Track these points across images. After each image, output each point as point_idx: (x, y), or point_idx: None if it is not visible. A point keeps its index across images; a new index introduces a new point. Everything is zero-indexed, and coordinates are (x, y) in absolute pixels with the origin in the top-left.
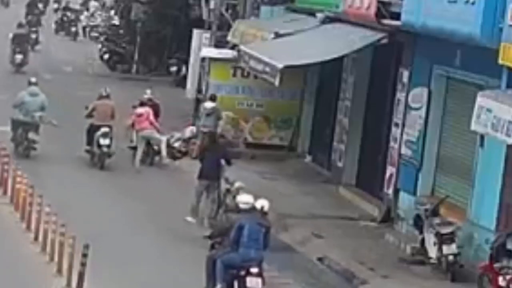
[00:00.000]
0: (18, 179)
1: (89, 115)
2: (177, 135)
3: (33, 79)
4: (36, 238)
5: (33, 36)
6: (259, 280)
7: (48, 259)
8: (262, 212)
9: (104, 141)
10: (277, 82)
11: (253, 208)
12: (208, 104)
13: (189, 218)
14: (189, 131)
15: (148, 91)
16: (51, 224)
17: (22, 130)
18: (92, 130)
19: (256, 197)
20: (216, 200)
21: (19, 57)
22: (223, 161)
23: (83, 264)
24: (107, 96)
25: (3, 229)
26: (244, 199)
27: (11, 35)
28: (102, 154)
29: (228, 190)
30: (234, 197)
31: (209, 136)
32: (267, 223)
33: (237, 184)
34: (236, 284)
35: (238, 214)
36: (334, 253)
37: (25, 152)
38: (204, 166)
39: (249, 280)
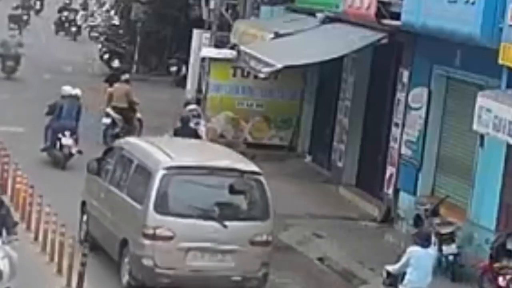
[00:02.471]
0: (18, 179)
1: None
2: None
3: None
4: (36, 238)
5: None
6: (71, 140)
7: (48, 259)
8: (76, 97)
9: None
10: (262, 75)
11: (69, 96)
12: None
13: None
14: None
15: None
16: (51, 224)
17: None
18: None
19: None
20: None
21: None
22: None
23: (83, 264)
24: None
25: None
26: (66, 88)
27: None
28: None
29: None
30: None
31: (180, 120)
32: (79, 104)
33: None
34: (57, 141)
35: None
36: (334, 253)
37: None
38: None
39: (64, 140)
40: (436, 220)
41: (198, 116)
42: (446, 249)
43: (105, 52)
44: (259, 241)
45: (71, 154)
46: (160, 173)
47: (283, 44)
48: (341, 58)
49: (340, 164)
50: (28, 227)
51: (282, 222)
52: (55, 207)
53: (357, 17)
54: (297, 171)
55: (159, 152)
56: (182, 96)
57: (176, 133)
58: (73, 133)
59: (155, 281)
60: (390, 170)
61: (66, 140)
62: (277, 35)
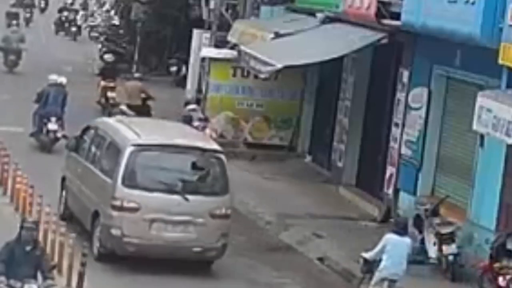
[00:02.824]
0: (18, 179)
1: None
2: None
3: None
4: None
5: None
6: (56, 125)
7: None
8: (62, 85)
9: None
10: (263, 75)
11: (56, 84)
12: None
13: None
14: None
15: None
16: (51, 224)
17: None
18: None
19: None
20: None
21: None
22: None
23: (83, 264)
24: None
25: (2, 229)
26: (52, 77)
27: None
28: None
29: None
30: None
31: (183, 119)
32: (64, 91)
33: None
34: (44, 127)
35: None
36: (334, 253)
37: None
38: None
39: (50, 125)
40: (436, 220)
41: (206, 119)
42: (446, 249)
43: (105, 52)
44: (219, 214)
45: (56, 139)
46: (128, 149)
47: (283, 44)
48: (341, 58)
49: (340, 164)
50: None
51: (282, 222)
52: (40, 188)
53: (357, 17)
54: (297, 171)
55: (129, 130)
56: (182, 96)
57: None
58: (59, 118)
59: (122, 249)
60: (390, 170)
61: (52, 125)
62: (277, 35)
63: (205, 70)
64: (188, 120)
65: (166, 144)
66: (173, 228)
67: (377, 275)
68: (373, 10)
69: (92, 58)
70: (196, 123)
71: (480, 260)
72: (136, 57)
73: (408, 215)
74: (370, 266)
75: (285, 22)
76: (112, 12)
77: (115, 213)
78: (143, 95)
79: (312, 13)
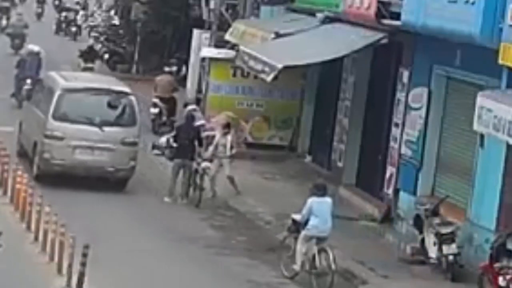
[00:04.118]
0: (18, 179)
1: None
2: (163, 139)
3: None
4: (36, 238)
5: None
6: (31, 86)
7: (48, 259)
8: (37, 53)
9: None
10: (269, 79)
11: (32, 52)
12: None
13: (166, 198)
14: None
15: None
16: (51, 224)
17: None
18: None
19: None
20: (187, 180)
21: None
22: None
23: (83, 264)
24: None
25: (3, 229)
26: (29, 47)
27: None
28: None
29: (196, 170)
30: (201, 176)
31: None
32: (39, 58)
33: (203, 164)
34: (22, 88)
35: None
36: (334, 253)
37: None
38: (178, 146)
39: (26, 86)
40: (436, 220)
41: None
42: (446, 249)
43: (105, 52)
44: (128, 142)
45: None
46: (57, 92)
47: (283, 44)
48: (341, 58)
49: (340, 164)
50: (28, 227)
51: (282, 222)
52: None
53: (357, 17)
54: (297, 171)
55: (61, 79)
56: (182, 96)
57: (178, 131)
58: (34, 80)
59: (52, 169)
60: (390, 170)
61: (28, 86)
62: (277, 35)
63: (205, 70)
64: (190, 119)
65: (87, 88)
66: (92, 152)
67: (304, 234)
68: (373, 10)
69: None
70: (199, 122)
71: (480, 260)
72: (136, 57)
73: (408, 216)
74: (298, 226)
75: (285, 22)
76: (112, 12)
77: (46, 141)
78: (172, 89)
79: (312, 13)
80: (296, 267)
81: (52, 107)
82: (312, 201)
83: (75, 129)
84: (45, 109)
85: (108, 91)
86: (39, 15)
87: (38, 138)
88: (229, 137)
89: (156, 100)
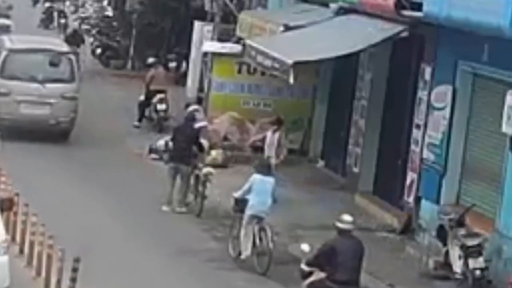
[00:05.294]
0: (2, 186)
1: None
2: (160, 142)
3: None
4: (21, 251)
5: None
6: None
7: (34, 274)
8: (7, 26)
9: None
10: (291, 80)
11: (3, 25)
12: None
13: (164, 207)
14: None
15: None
16: (38, 235)
17: None
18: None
19: None
20: (184, 186)
21: None
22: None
23: (73, 280)
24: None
25: None
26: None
27: None
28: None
29: (197, 177)
30: (204, 183)
31: (185, 118)
32: (8, 31)
33: (205, 170)
34: None
35: None
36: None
37: None
38: (174, 149)
39: None
40: (462, 231)
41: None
42: (472, 263)
43: (97, 47)
44: (68, 96)
45: None
46: (4, 52)
47: (293, 38)
48: (357, 53)
49: (356, 170)
50: (13, 239)
51: (292, 233)
52: None
53: (374, 7)
54: (308, 177)
55: (9, 41)
56: (182, 95)
57: (175, 132)
58: None
59: (1, 123)
60: (410, 176)
61: None
62: (287, 28)
63: (207, 66)
64: (191, 119)
65: (30, 48)
66: (35, 107)
67: (246, 214)
68: (392, 0)
69: (83, 53)
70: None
71: (509, 275)
72: (131, 51)
73: (431, 226)
74: (241, 205)
75: (295, 13)
76: (105, 2)
77: None
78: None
79: (325, 4)
80: (247, 252)
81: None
82: (255, 178)
83: (20, 86)
84: None
85: (49, 51)
86: (35, 2)
87: None
88: (276, 135)
89: (162, 96)
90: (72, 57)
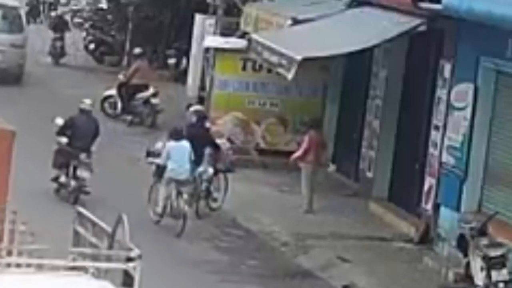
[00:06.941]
0: None
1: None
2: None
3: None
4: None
5: None
6: None
7: None
8: None
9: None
10: (290, 76)
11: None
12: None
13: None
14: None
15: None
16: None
17: None
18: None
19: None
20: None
21: None
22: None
23: None
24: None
25: None
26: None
27: None
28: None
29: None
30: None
31: (197, 117)
32: None
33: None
34: None
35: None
36: (363, 280)
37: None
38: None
39: None
40: (484, 241)
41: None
42: (495, 275)
43: (90, 41)
44: (16, 44)
45: None
46: None
47: (302, 32)
48: (371, 49)
49: (369, 175)
50: None
51: (301, 243)
52: None
53: None
54: (319, 182)
55: None
56: (182, 94)
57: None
58: None
59: None
60: (429, 181)
61: None
62: (295, 22)
63: (209, 63)
64: (202, 119)
65: None
66: None
67: (165, 176)
68: None
69: (76, 48)
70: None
71: None
72: (127, 47)
73: (450, 235)
74: (161, 171)
75: (304, 5)
76: None
77: None
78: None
79: None
80: (158, 209)
81: None
82: (169, 145)
83: None
84: None
85: (2, 6)
86: None
87: None
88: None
89: (155, 90)
90: (22, 11)
